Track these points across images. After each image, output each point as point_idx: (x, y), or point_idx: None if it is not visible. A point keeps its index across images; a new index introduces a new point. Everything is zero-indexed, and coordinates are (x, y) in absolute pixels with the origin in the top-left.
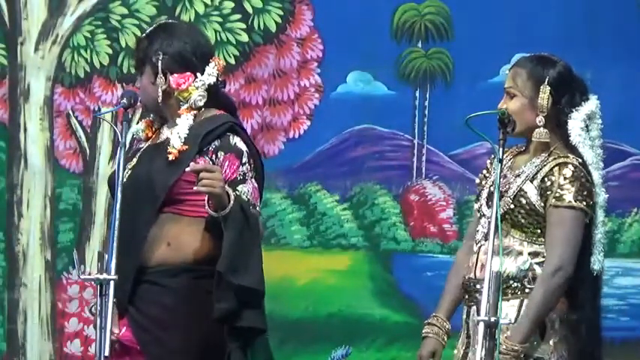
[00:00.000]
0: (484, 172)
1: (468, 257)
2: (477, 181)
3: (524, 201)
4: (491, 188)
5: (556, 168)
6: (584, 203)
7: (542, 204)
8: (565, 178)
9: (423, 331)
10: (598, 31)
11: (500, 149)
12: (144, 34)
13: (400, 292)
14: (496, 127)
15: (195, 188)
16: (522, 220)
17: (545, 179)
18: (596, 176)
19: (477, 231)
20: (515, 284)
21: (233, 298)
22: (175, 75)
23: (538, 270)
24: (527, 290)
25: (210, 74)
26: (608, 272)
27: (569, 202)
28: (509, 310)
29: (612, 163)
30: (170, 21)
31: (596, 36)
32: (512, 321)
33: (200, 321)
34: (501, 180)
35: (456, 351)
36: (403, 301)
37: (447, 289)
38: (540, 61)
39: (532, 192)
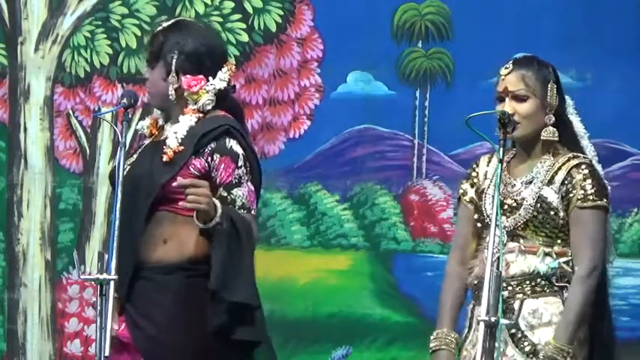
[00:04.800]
0: (473, 180)
1: (463, 268)
2: (466, 188)
3: (546, 207)
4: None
5: (574, 169)
6: (605, 200)
7: (565, 207)
8: (586, 179)
9: (432, 345)
10: (598, 31)
11: (501, 149)
12: (160, 29)
13: (400, 292)
14: (496, 127)
15: (181, 204)
16: (547, 225)
17: (566, 182)
18: (600, 170)
19: (486, 239)
20: (544, 282)
21: (225, 313)
22: (188, 76)
23: (566, 268)
24: (555, 288)
25: (221, 79)
26: (609, 272)
27: (594, 201)
28: (546, 307)
29: (612, 163)
30: (188, 20)
31: (596, 36)
32: (555, 317)
33: (195, 319)
34: (508, 188)
35: (465, 352)
36: (403, 301)
37: (446, 303)
38: (540, 61)
39: (552, 196)
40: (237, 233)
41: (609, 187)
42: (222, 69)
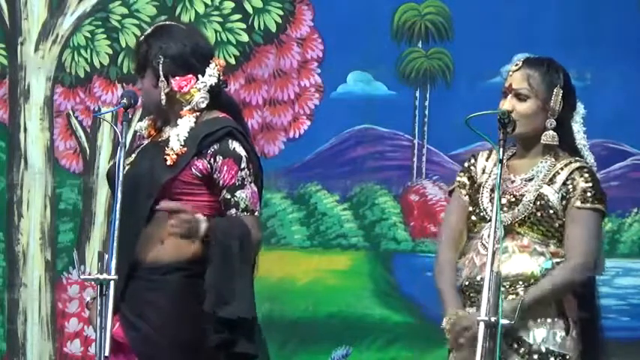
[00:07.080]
0: (471, 173)
1: (455, 258)
2: (464, 180)
3: (545, 205)
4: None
5: (576, 172)
6: (603, 206)
7: (563, 207)
8: (587, 182)
9: (448, 320)
10: (598, 31)
11: (501, 149)
12: (142, 38)
13: (400, 292)
14: (496, 127)
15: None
16: (544, 223)
17: (567, 183)
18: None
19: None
20: (536, 282)
21: (224, 330)
22: (177, 78)
23: None
24: None
25: (211, 75)
26: (608, 272)
27: (593, 203)
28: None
29: (612, 163)
30: (168, 23)
31: (596, 36)
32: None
33: (190, 320)
34: (507, 183)
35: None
36: (403, 301)
37: (448, 288)
38: (551, 65)
39: (552, 195)
40: (230, 248)
41: (607, 195)
42: (210, 65)
